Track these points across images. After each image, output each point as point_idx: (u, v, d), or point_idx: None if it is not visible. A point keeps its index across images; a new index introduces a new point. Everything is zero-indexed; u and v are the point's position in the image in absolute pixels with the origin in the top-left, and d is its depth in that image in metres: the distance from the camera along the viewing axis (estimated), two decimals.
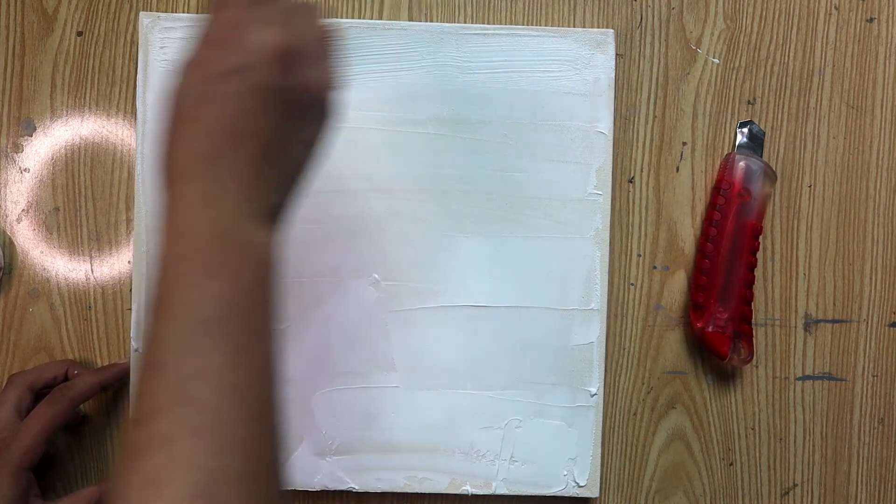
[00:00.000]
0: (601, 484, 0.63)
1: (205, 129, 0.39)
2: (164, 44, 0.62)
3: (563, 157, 0.62)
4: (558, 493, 0.62)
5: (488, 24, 0.65)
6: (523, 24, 0.65)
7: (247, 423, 0.37)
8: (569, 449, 0.62)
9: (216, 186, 0.39)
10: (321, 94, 0.43)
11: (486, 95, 0.62)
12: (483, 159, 0.62)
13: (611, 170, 0.62)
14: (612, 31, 0.63)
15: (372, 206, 0.62)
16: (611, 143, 0.62)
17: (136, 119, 0.63)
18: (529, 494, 0.62)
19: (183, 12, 0.64)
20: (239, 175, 0.40)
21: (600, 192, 0.62)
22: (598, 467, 0.62)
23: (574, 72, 0.62)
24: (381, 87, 0.62)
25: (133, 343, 0.62)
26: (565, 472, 0.62)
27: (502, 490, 0.62)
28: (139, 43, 0.62)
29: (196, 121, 0.39)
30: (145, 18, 0.62)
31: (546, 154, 0.62)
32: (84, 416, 0.64)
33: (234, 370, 0.37)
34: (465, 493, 0.62)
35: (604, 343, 0.63)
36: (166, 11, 0.64)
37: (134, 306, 0.62)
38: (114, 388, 0.63)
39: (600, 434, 0.62)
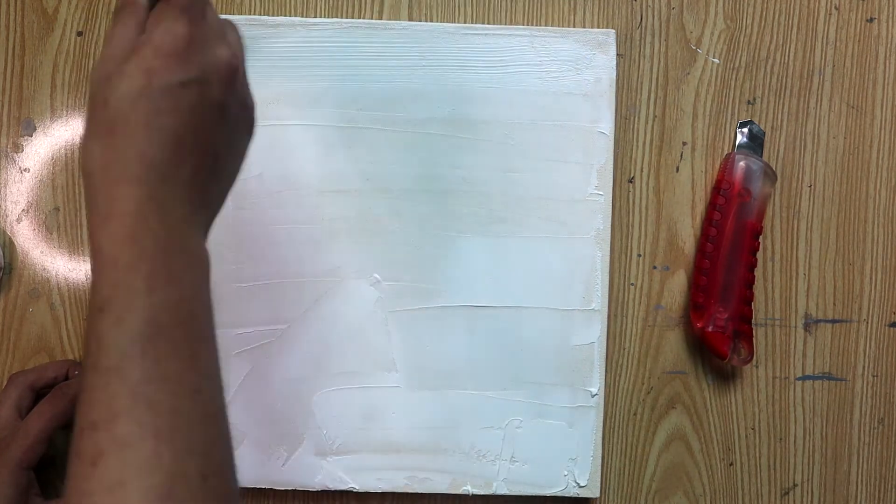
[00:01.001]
0: (601, 484, 0.63)
1: (159, 137, 0.39)
2: None
3: (564, 157, 0.62)
4: (559, 494, 0.62)
5: (488, 23, 0.65)
6: (523, 24, 0.65)
7: (205, 424, 0.38)
8: (569, 449, 0.62)
9: (166, 194, 0.39)
10: (253, 110, 0.45)
11: (487, 95, 0.62)
12: (484, 159, 0.62)
13: (612, 170, 0.62)
14: (613, 31, 0.63)
15: (373, 206, 0.62)
16: (612, 143, 0.62)
17: None
18: (530, 495, 0.62)
19: None
20: (188, 185, 0.40)
21: (601, 193, 0.62)
22: (599, 467, 0.62)
23: (575, 72, 0.62)
24: (382, 86, 0.62)
25: None
26: (566, 473, 0.62)
27: (503, 490, 0.62)
28: None
29: (144, 128, 0.39)
30: None
31: (547, 154, 0.62)
32: None
33: (188, 374, 0.38)
34: (466, 493, 0.62)
35: (604, 343, 0.63)
36: None
37: None
38: None
39: (601, 434, 0.62)
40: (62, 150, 0.64)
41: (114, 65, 0.40)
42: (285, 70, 0.62)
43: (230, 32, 0.44)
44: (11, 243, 0.64)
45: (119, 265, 0.38)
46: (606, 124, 0.62)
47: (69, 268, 0.64)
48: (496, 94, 0.62)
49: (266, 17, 0.63)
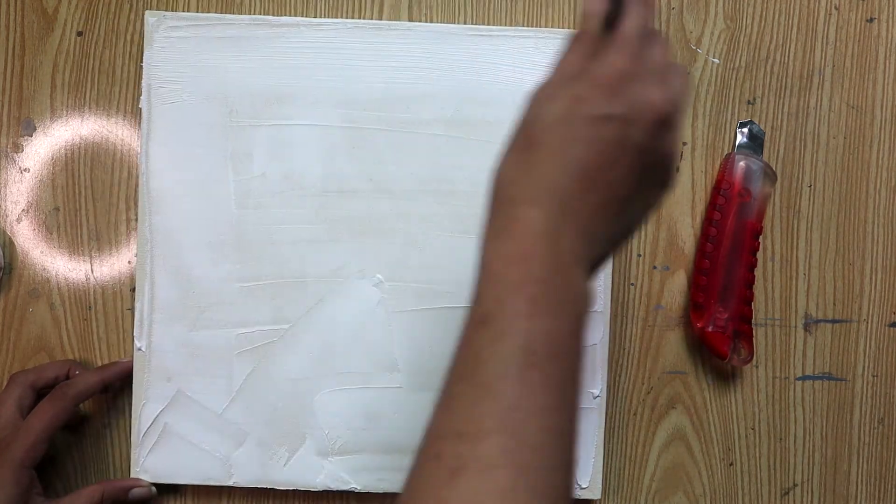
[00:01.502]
0: (602, 484, 0.63)
1: (565, 164, 0.39)
2: (168, 43, 0.62)
3: None
4: None
5: (489, 23, 0.65)
6: (524, 23, 0.65)
7: (559, 471, 0.37)
8: None
9: (561, 223, 0.39)
10: (673, 162, 0.43)
11: (491, 96, 0.62)
12: (488, 160, 0.61)
13: None
14: None
15: (376, 206, 0.62)
16: None
17: (139, 118, 0.63)
18: None
19: (184, 11, 0.64)
20: (584, 219, 0.39)
21: None
22: (601, 469, 0.62)
23: None
24: (386, 87, 0.62)
25: (136, 342, 0.62)
26: None
27: None
28: (144, 42, 0.62)
29: (558, 153, 0.39)
30: (150, 17, 0.62)
31: None
32: (84, 415, 0.64)
33: (555, 412, 0.37)
34: None
35: (607, 345, 0.63)
36: (166, 11, 0.64)
37: (137, 305, 0.62)
38: (114, 388, 0.63)
39: (602, 436, 0.62)
40: (62, 150, 0.64)
41: (552, 88, 0.40)
42: (289, 70, 0.62)
43: (674, 76, 0.42)
44: (11, 243, 0.64)
45: (505, 282, 0.38)
46: None
47: (69, 268, 0.64)
48: (500, 96, 0.62)
49: (270, 17, 0.63)
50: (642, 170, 0.41)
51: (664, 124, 0.40)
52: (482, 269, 0.39)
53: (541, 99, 0.41)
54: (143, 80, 0.62)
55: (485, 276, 0.39)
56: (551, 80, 0.41)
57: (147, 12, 0.62)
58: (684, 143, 0.65)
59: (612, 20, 0.41)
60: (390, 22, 0.64)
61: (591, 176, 0.39)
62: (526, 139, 0.40)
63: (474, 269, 0.40)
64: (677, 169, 0.41)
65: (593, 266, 0.42)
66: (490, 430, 0.36)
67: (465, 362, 0.38)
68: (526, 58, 0.63)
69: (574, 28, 0.64)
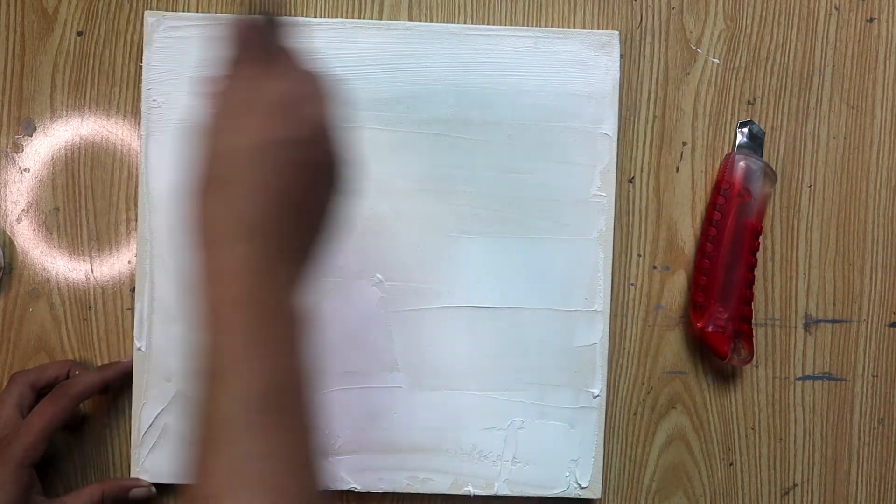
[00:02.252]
0: (602, 484, 0.63)
1: (255, 194, 0.40)
2: (168, 43, 0.62)
3: (567, 158, 0.62)
4: (560, 495, 0.62)
5: (488, 23, 0.65)
6: (523, 23, 0.65)
7: (309, 499, 0.38)
8: (571, 450, 0.62)
9: (265, 254, 0.39)
10: (343, 165, 0.44)
11: (490, 96, 0.62)
12: (487, 160, 0.62)
13: (615, 171, 0.62)
14: (616, 32, 0.63)
15: (376, 206, 0.62)
16: (615, 144, 0.62)
17: (139, 118, 0.63)
18: (531, 496, 0.62)
19: (184, 11, 0.64)
20: (286, 244, 0.40)
21: (604, 194, 0.62)
22: (601, 469, 0.62)
23: (578, 73, 0.62)
24: (385, 87, 0.62)
25: (136, 342, 0.62)
26: (567, 474, 0.62)
27: (504, 491, 0.62)
28: (144, 42, 0.62)
29: (245, 185, 0.40)
30: (150, 17, 0.62)
31: (550, 155, 0.62)
32: (84, 416, 0.64)
33: (292, 448, 0.38)
34: (468, 493, 0.62)
35: (607, 345, 0.63)
36: (166, 12, 0.64)
37: (137, 305, 0.62)
38: (114, 387, 0.63)
39: (602, 435, 0.62)
40: (62, 150, 0.64)
41: (227, 120, 0.41)
42: None
43: (322, 85, 0.44)
44: (11, 243, 0.64)
45: (228, 329, 0.38)
46: (610, 126, 0.62)
47: (69, 268, 0.64)
48: (500, 95, 0.62)
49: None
50: (324, 182, 0.42)
51: (333, 136, 0.42)
52: (204, 316, 0.39)
53: (220, 132, 0.41)
54: (142, 80, 0.62)
55: (207, 324, 0.39)
56: (222, 110, 0.41)
57: (146, 12, 0.62)
58: (684, 143, 0.65)
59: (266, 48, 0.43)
60: (391, 21, 0.64)
61: (284, 200, 0.40)
62: (214, 176, 0.40)
63: (199, 314, 0.40)
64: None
65: (302, 279, 0.42)
66: (228, 488, 0.36)
67: (203, 420, 0.38)
68: (525, 58, 0.63)
69: (566, 26, 0.64)
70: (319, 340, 0.61)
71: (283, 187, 0.40)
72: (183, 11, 0.64)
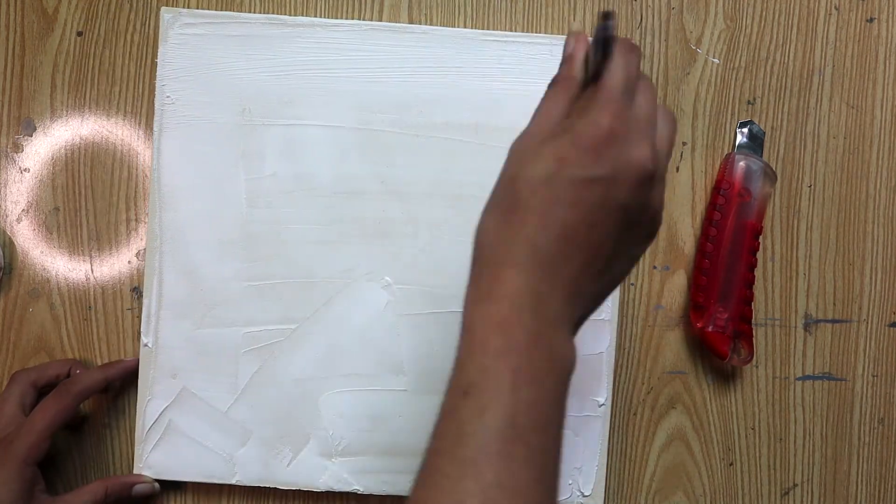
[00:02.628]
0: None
1: (548, 226, 0.38)
2: (183, 40, 0.62)
3: None
4: (563, 502, 0.62)
5: (488, 24, 0.65)
6: (523, 24, 0.65)
7: None
8: (575, 458, 0.62)
9: (546, 287, 0.39)
10: (659, 215, 0.42)
11: (504, 102, 0.62)
12: (498, 165, 0.61)
13: None
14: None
15: (386, 209, 0.62)
16: None
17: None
18: None
19: (182, 8, 0.64)
20: (567, 281, 0.39)
21: None
22: (604, 477, 0.62)
23: None
24: (397, 90, 0.62)
25: (143, 338, 0.62)
26: (570, 482, 0.62)
27: None
28: (159, 38, 0.62)
29: (541, 215, 0.39)
30: (166, 14, 0.62)
31: None
32: (84, 416, 0.64)
33: (537, 487, 0.37)
34: None
35: (613, 353, 0.62)
36: (181, 9, 0.63)
37: (145, 301, 0.62)
38: (116, 387, 0.63)
39: (606, 444, 0.62)
40: (62, 150, 0.64)
41: (533, 142, 0.40)
42: (303, 70, 0.62)
43: (662, 125, 0.42)
44: (11, 243, 0.64)
45: (489, 351, 0.38)
46: None
47: (69, 268, 0.64)
48: (514, 101, 0.62)
49: (286, 17, 0.63)
50: (627, 227, 0.40)
51: (649, 181, 0.40)
52: (465, 333, 0.39)
53: (524, 155, 0.40)
54: (157, 77, 0.62)
55: (468, 341, 0.39)
56: (533, 132, 0.41)
57: (163, 9, 0.62)
58: (684, 143, 0.65)
59: (597, 70, 0.41)
60: (406, 25, 0.64)
61: (575, 238, 0.39)
62: (509, 199, 0.40)
63: (459, 330, 0.39)
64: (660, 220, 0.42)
65: (578, 324, 0.41)
66: None
67: (447, 436, 0.38)
68: (540, 64, 0.62)
69: (566, 27, 0.64)
70: (327, 341, 0.61)
71: (574, 223, 0.39)
72: (184, 9, 0.64)
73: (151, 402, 0.62)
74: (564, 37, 0.44)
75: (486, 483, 0.36)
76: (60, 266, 0.64)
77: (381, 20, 0.64)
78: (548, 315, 0.38)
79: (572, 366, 0.40)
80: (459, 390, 0.38)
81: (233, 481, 0.62)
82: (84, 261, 0.64)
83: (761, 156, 0.65)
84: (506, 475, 0.36)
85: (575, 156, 0.39)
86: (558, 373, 0.39)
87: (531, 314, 0.38)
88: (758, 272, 0.65)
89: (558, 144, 0.39)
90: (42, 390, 0.61)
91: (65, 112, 0.64)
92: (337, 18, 0.64)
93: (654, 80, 0.65)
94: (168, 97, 0.62)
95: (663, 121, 0.42)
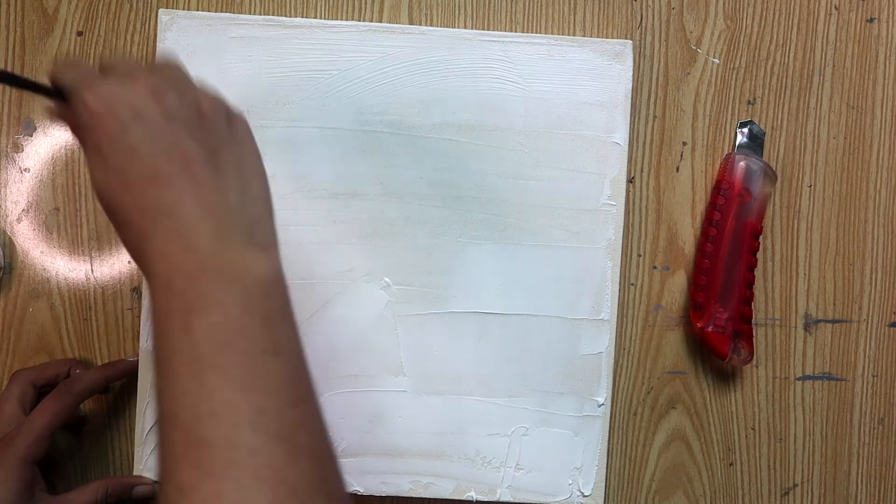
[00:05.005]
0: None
1: (141, 164, 0.40)
2: (180, 42, 0.62)
3: (578, 166, 0.62)
4: (562, 502, 0.62)
5: (488, 24, 0.65)
6: (523, 24, 0.65)
7: (270, 444, 0.38)
8: (574, 458, 0.62)
9: (177, 212, 0.40)
10: (221, 111, 0.45)
11: (502, 103, 0.62)
12: (497, 166, 0.62)
13: (625, 180, 0.62)
14: (630, 42, 0.63)
15: (385, 209, 0.62)
16: (626, 153, 0.62)
17: None
18: (534, 502, 0.62)
19: (183, 10, 0.64)
20: (197, 195, 0.41)
21: (614, 203, 0.62)
22: (604, 477, 0.63)
23: (591, 81, 0.62)
24: (397, 91, 0.62)
25: (142, 340, 0.62)
26: (570, 482, 0.62)
27: (507, 497, 0.62)
28: (157, 39, 0.62)
29: (134, 154, 0.41)
30: (164, 16, 0.62)
31: (560, 163, 0.62)
32: (84, 416, 0.64)
33: (245, 394, 0.38)
34: (470, 499, 0.62)
35: (612, 353, 0.63)
36: (179, 10, 0.63)
37: (144, 302, 0.62)
38: (115, 387, 0.63)
39: (606, 444, 0.63)
40: (62, 150, 0.64)
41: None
42: (301, 71, 0.62)
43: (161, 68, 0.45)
44: (11, 243, 0.64)
45: (157, 313, 0.40)
46: (621, 135, 0.62)
47: (69, 268, 0.64)
48: (512, 102, 0.62)
49: (284, 18, 0.62)
50: (201, 127, 0.43)
51: (159, 91, 0.42)
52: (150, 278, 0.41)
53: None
54: None
55: (154, 283, 0.40)
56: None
57: (160, 11, 0.62)
58: (684, 143, 0.65)
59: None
60: (404, 26, 0.64)
61: (173, 155, 0.41)
62: (151, 172, 0.41)
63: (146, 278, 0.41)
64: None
65: (253, 230, 0.43)
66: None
67: (158, 406, 0.39)
68: (539, 65, 0.62)
69: (566, 27, 0.64)
70: (326, 342, 0.61)
71: (160, 148, 0.41)
72: (183, 10, 0.64)
73: (151, 403, 0.62)
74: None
75: (193, 420, 0.37)
76: (60, 266, 0.64)
77: (381, 21, 0.64)
78: (200, 241, 0.40)
79: (258, 269, 0.41)
80: (153, 359, 0.40)
81: None
82: (84, 261, 0.64)
83: (761, 156, 0.65)
84: (210, 404, 0.37)
85: (107, 122, 0.41)
86: (240, 284, 0.40)
87: (178, 255, 0.40)
88: (758, 272, 0.65)
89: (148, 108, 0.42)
90: (42, 390, 0.61)
91: None
92: (337, 20, 0.64)
93: (654, 80, 0.65)
94: None
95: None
